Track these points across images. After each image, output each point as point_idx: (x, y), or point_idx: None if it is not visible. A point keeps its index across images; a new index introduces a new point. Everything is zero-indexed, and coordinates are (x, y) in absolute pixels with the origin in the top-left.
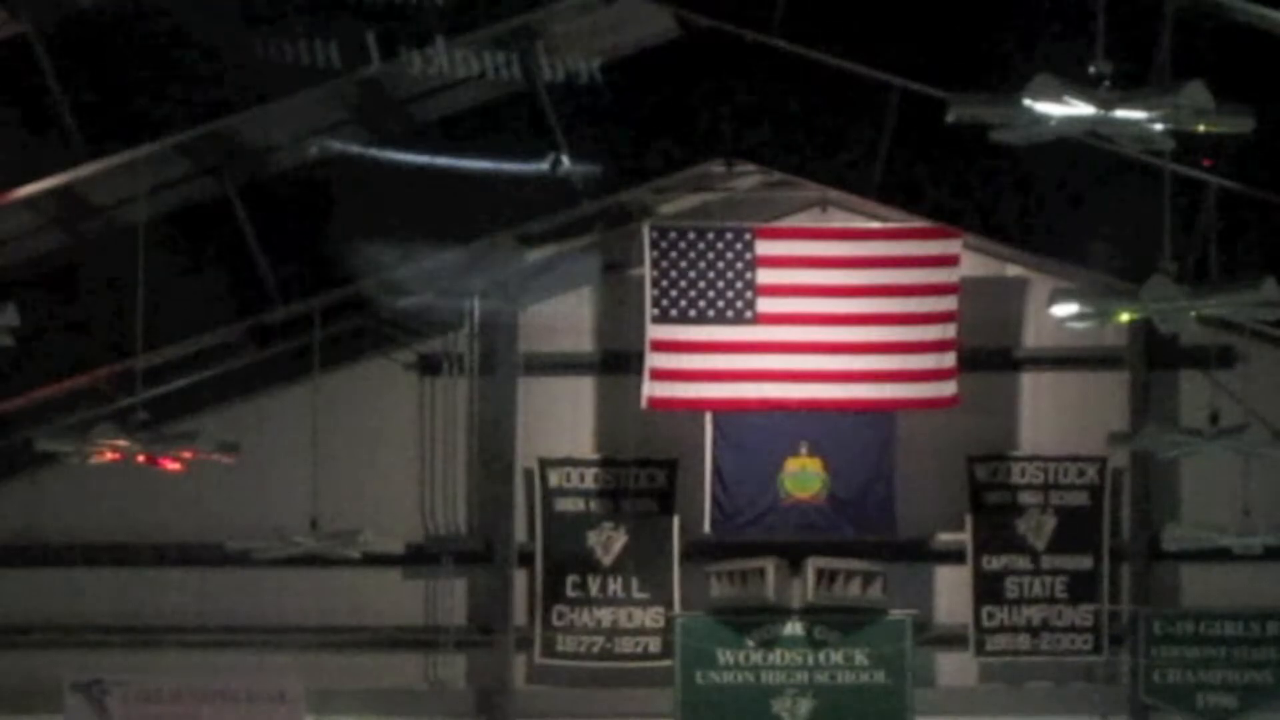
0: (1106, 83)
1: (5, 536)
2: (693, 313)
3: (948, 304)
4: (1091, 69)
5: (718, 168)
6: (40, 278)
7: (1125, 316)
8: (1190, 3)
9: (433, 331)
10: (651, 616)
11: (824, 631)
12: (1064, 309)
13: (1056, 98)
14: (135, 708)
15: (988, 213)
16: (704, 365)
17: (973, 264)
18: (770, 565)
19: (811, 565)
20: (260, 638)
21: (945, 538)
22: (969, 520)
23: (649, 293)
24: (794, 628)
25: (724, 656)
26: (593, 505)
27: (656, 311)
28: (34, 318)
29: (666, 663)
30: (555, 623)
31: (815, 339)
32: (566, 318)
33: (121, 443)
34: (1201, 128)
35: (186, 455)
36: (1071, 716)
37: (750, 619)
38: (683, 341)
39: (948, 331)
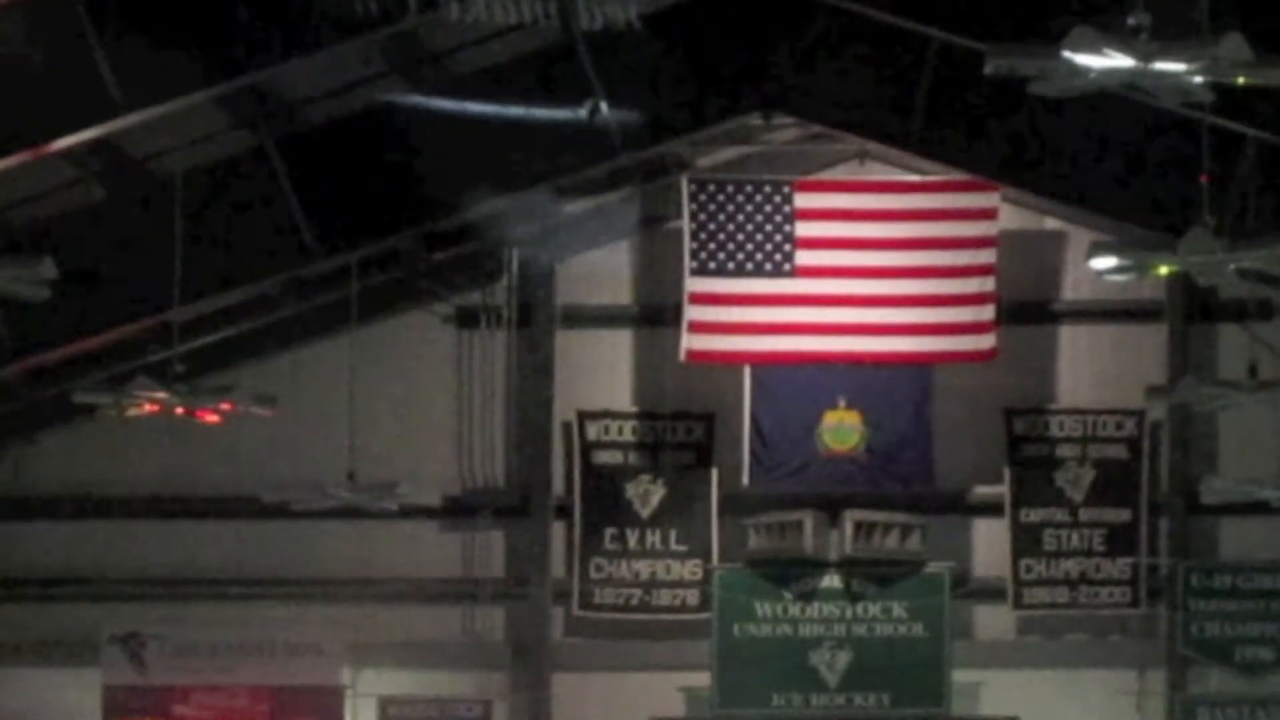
0: (1145, 35)
1: (43, 489)
2: (731, 265)
3: (986, 257)
4: (1130, 21)
5: (756, 120)
6: (78, 231)
7: (1164, 269)
8: None
9: (471, 284)
10: (689, 569)
11: (861, 584)
12: (1102, 262)
13: (1095, 50)
14: (172, 660)
15: (1026, 165)
16: (742, 318)
17: (1011, 217)
18: (808, 518)
19: (849, 518)
20: (298, 590)
21: (983, 490)
22: (1007, 473)
23: (687, 245)
24: (832, 580)
25: (761, 609)
26: (631, 458)
27: (695, 264)
28: (71, 271)
29: (704, 615)
30: (593, 575)
31: (853, 292)
32: (605, 270)
33: (159, 395)
34: (1240, 80)
35: (224, 408)
36: (1109, 669)
37: (788, 571)
38: (721, 294)
39: (986, 284)
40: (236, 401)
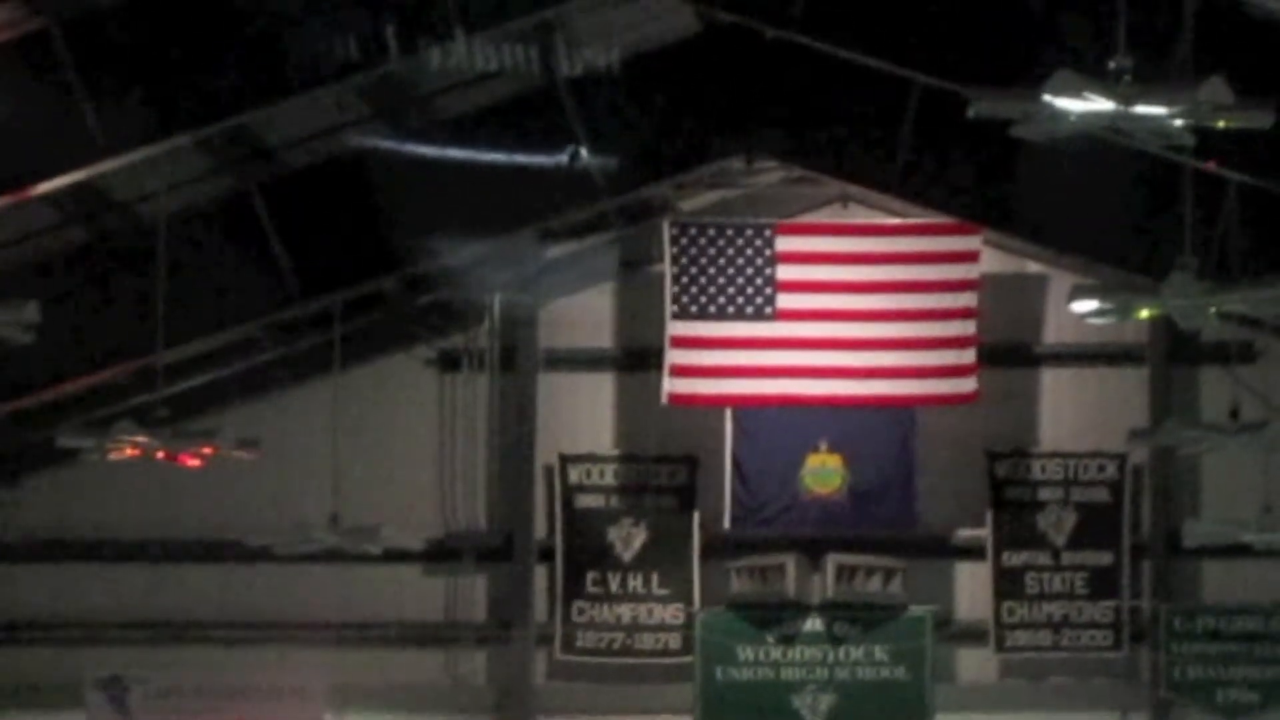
0: (1127, 78)
1: (27, 533)
2: (713, 309)
3: (968, 300)
4: (1111, 64)
5: (738, 164)
6: (61, 274)
7: (1145, 313)
8: None
9: (453, 327)
10: (671, 612)
11: (844, 627)
12: (1084, 305)
13: (1076, 93)
14: (155, 704)
15: (1008, 208)
16: (724, 361)
17: (993, 260)
18: (790, 561)
19: (831, 561)
20: (281, 634)
21: (965, 534)
22: (989, 516)
23: (669, 289)
24: (814, 623)
25: (744, 652)
26: (613, 501)
27: (676, 308)
28: (55, 314)
29: (686, 659)
30: (575, 619)
31: (835, 335)
32: (587, 314)
33: (141, 439)
34: (1221, 123)
35: (207, 452)
36: (1092, 713)
37: (770, 615)
38: (703, 338)
39: (968, 328)
40: (219, 445)
